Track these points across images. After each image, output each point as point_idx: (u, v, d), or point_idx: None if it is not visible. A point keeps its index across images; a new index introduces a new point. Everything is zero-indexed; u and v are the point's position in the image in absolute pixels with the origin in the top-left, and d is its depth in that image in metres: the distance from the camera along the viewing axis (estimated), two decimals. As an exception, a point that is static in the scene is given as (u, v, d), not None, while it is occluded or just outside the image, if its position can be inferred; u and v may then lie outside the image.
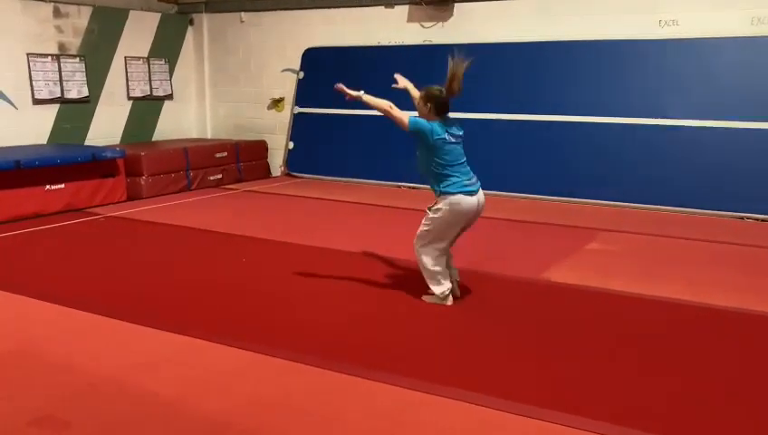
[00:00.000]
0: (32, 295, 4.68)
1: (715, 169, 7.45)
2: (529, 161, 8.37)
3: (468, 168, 4.49)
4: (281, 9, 10.20)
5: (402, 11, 9.36)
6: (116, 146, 9.01)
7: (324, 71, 9.80)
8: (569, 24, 8.32)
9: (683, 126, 7.69)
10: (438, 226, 4.42)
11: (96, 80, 9.44)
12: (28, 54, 8.59)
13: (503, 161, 8.35)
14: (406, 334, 4.09)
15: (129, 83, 9.93)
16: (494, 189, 8.36)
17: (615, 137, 7.98)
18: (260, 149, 10.26)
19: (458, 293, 4.64)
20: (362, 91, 4.61)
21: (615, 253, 5.93)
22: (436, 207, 4.44)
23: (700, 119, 7.61)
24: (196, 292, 4.83)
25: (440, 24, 9.07)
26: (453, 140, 4.41)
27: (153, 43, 10.25)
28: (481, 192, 4.48)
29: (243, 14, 10.51)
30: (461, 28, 8.86)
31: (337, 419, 3.09)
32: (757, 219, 7.18)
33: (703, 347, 3.92)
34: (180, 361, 3.70)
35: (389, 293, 4.78)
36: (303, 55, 10.01)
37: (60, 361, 3.68)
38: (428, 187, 4.58)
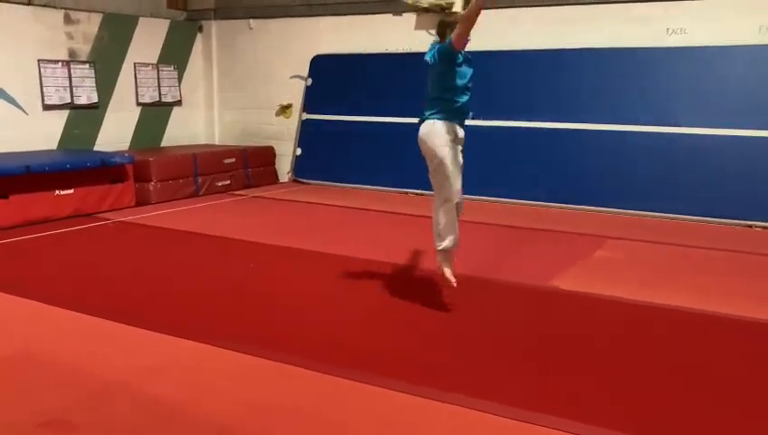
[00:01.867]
0: (41, 299, 4.71)
1: (723, 176, 7.43)
2: (536, 168, 8.35)
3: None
4: (289, 16, 10.25)
5: (410, 18, 9.38)
6: (125, 151, 9.06)
7: (332, 77, 9.86)
8: (577, 32, 8.32)
9: (690, 134, 7.67)
10: None
11: (105, 86, 9.50)
12: (39, 60, 8.66)
13: (511, 168, 8.35)
14: (411, 340, 4.09)
15: (139, 89, 10.00)
16: (501, 196, 8.40)
17: (623, 144, 7.97)
18: (268, 155, 10.30)
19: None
20: None
21: (623, 261, 5.92)
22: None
23: (708, 127, 7.60)
24: (204, 297, 4.85)
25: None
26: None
27: (162, 50, 10.31)
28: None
29: (251, 20, 10.57)
30: (469, 35, 8.87)
31: (341, 424, 3.10)
32: (765, 227, 7.15)
33: (711, 356, 3.91)
34: (187, 365, 3.72)
35: (395, 298, 4.78)
36: (311, 62, 10.05)
37: (68, 365, 3.70)
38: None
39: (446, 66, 4.49)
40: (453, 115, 4.55)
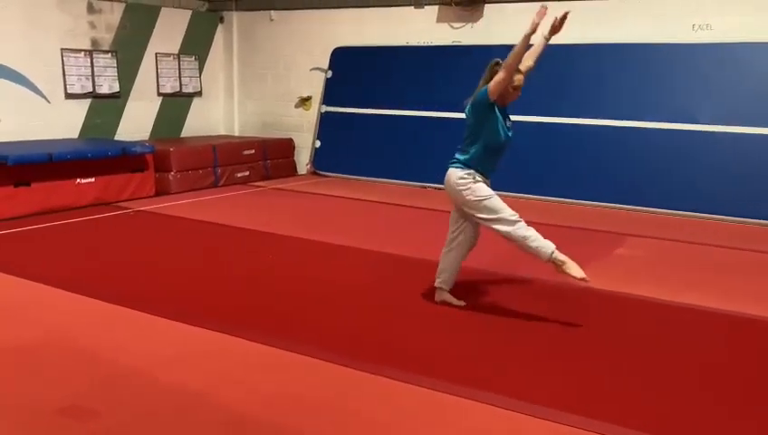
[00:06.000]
0: (61, 287, 4.75)
1: (747, 175, 7.32)
2: (557, 164, 8.30)
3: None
4: (310, 8, 10.24)
5: (432, 11, 9.34)
6: (145, 141, 9.12)
7: (352, 70, 9.84)
8: (600, 27, 8.23)
9: (714, 132, 7.57)
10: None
11: (127, 75, 9.55)
12: (62, 49, 8.72)
13: (531, 164, 8.28)
14: (430, 335, 4.08)
15: (160, 80, 10.04)
16: (522, 192, 8.33)
17: (646, 141, 7.88)
18: (287, 147, 10.32)
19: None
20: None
21: (644, 259, 5.85)
22: None
23: (732, 124, 7.49)
24: (223, 287, 4.87)
25: (470, 24, 9.03)
26: None
27: (183, 40, 10.35)
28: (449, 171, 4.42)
29: (272, 12, 10.57)
30: (491, 29, 8.80)
31: (359, 417, 3.10)
32: (790, 228, 7.05)
33: (732, 356, 3.86)
34: (206, 354, 3.73)
35: (414, 293, 4.76)
36: (332, 54, 10.03)
37: (87, 351, 3.73)
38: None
39: (479, 118, 4.24)
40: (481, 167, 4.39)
